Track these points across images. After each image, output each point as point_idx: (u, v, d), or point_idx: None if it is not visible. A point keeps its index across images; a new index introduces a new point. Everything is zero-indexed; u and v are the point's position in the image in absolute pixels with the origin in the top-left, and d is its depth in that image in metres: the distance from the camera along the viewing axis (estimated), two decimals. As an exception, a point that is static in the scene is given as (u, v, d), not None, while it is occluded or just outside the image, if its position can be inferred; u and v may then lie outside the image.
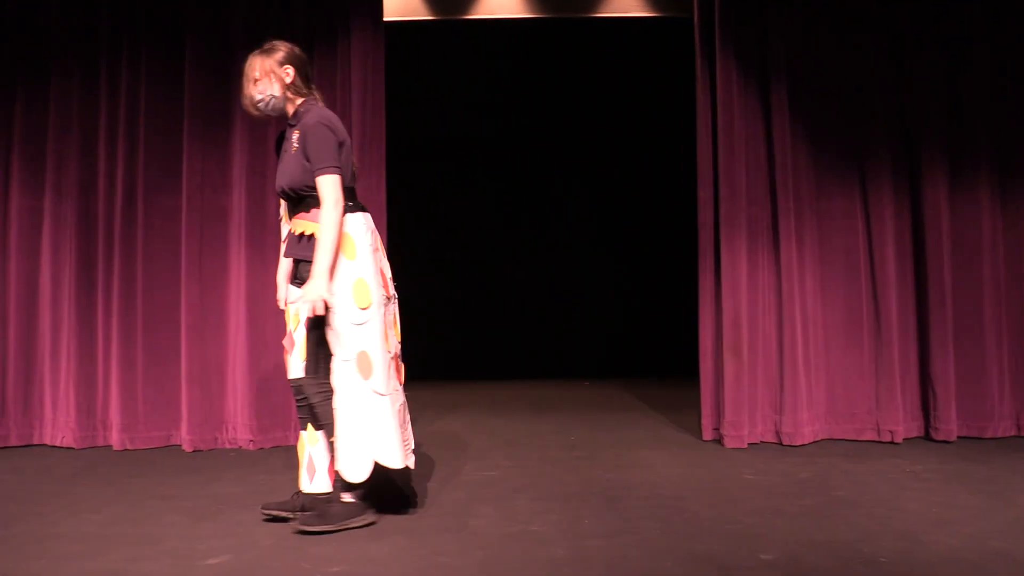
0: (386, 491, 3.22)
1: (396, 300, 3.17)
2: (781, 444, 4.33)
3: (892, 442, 4.33)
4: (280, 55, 3.01)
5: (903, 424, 4.39)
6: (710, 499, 3.28)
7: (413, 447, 3.19)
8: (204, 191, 4.51)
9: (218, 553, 2.68)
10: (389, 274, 3.13)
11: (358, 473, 2.92)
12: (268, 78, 3.00)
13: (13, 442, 4.51)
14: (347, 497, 2.97)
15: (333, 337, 2.93)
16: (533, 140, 7.98)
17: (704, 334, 4.48)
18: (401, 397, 3.11)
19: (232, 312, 4.50)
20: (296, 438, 4.44)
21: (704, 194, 4.48)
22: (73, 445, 4.45)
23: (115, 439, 4.43)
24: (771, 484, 3.51)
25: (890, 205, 4.49)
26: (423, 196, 7.68)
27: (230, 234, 4.53)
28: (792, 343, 4.37)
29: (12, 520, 3.07)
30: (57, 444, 4.51)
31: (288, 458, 4.14)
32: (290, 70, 3.01)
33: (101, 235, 4.56)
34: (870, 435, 4.40)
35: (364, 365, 2.93)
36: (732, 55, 4.42)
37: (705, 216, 4.48)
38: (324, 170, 2.88)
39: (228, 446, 4.44)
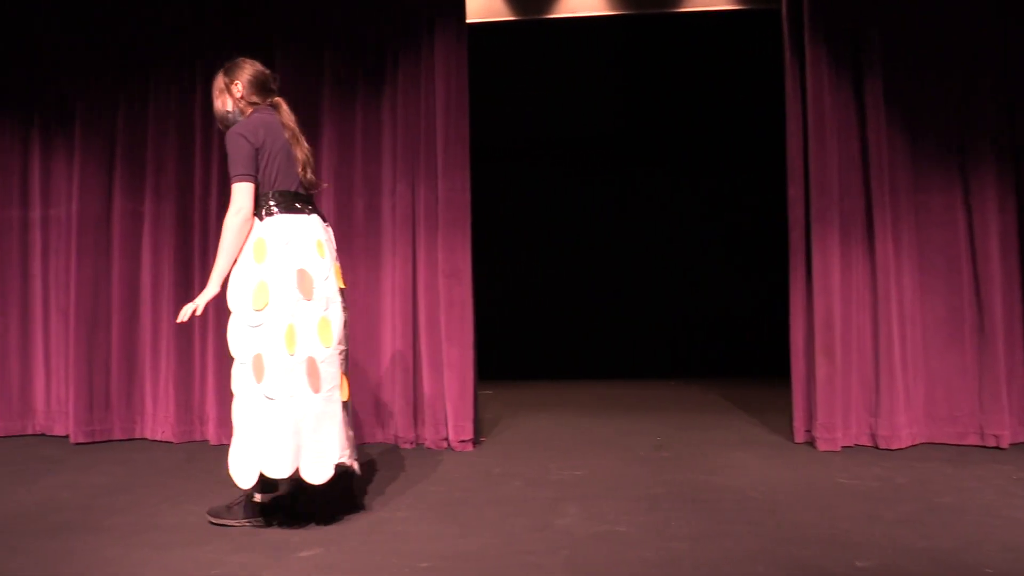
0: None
1: (335, 304, 3.04)
2: (877, 448, 4.17)
3: (997, 447, 4.12)
4: (232, 72, 3.15)
5: (1009, 428, 4.17)
6: (803, 503, 3.18)
7: (340, 459, 2.98)
8: (294, 193, 4.62)
9: (310, 546, 2.75)
10: (325, 275, 3.02)
11: (245, 479, 2.90)
12: (223, 95, 3.16)
13: (116, 436, 4.73)
14: (258, 497, 3.03)
15: (232, 339, 2.96)
16: (619, 138, 7.93)
17: (795, 334, 4.36)
18: (311, 405, 2.92)
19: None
20: (384, 434, 4.56)
21: (794, 191, 4.36)
22: (172, 439, 4.64)
23: (211, 433, 4.60)
24: (867, 489, 3.39)
25: (994, 198, 4.28)
26: (510, 196, 7.72)
27: (320, 235, 4.63)
28: (888, 343, 4.21)
29: (118, 510, 3.21)
30: (157, 438, 4.70)
31: (377, 453, 4.21)
32: (239, 85, 3.13)
33: (197, 236, 4.74)
34: (973, 439, 4.20)
35: (258, 368, 2.91)
36: (822, 44, 4.29)
37: (795, 213, 4.36)
38: (233, 178, 2.98)
39: (319, 442, 4.54)
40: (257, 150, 3.00)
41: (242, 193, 2.96)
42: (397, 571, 2.50)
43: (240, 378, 2.95)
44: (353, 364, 4.48)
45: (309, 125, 4.61)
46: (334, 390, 2.99)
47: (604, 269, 7.93)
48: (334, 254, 3.13)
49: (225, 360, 4.59)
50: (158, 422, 4.73)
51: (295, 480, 2.97)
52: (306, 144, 3.14)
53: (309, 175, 3.10)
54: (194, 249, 4.74)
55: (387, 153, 4.61)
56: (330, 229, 3.19)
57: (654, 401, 6.04)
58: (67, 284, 4.85)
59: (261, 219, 3.00)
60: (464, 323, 4.41)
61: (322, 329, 2.96)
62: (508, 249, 7.71)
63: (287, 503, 3.12)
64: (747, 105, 7.27)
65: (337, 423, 2.97)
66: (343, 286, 3.14)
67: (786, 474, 3.67)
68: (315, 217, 3.09)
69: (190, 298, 4.67)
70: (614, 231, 7.97)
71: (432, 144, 4.51)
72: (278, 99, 3.18)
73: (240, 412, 2.94)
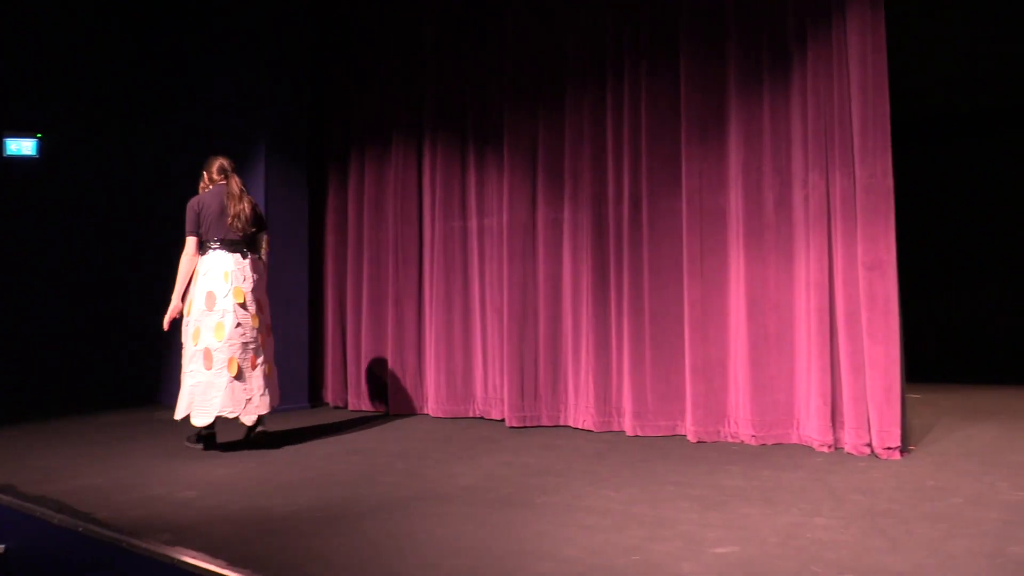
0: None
1: (229, 313, 4.38)
2: None
3: None
4: (205, 165, 4.64)
5: None
6: None
7: (221, 412, 4.35)
8: (702, 192, 4.66)
9: (726, 543, 2.72)
10: (225, 294, 4.40)
11: (176, 416, 4.45)
12: (201, 181, 4.64)
13: (544, 422, 5.18)
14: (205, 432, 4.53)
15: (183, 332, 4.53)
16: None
17: None
18: (203, 377, 4.37)
19: (732, 309, 4.57)
20: (797, 436, 4.38)
21: None
22: (592, 428, 4.94)
23: (627, 425, 4.81)
24: None
25: None
26: (934, 178, 6.97)
27: (728, 233, 4.61)
28: None
29: (549, 490, 3.50)
30: (578, 427, 5.05)
31: (793, 455, 4.06)
32: (206, 174, 4.63)
33: (611, 240, 5.00)
34: None
35: (184, 352, 4.47)
36: None
37: None
38: (185, 233, 4.51)
39: (730, 440, 4.51)
40: (198, 213, 4.48)
41: (187, 243, 4.50)
42: (820, 580, 2.38)
43: (182, 356, 4.51)
44: (776, 362, 4.41)
45: (715, 123, 4.64)
46: (222, 369, 4.38)
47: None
48: (239, 279, 4.46)
49: (639, 359, 4.79)
50: (579, 412, 5.08)
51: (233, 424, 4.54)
52: (243, 202, 4.51)
53: (236, 225, 4.49)
54: (609, 252, 5.00)
55: (797, 142, 4.42)
56: (246, 261, 4.50)
57: None
58: (500, 285, 5.43)
59: (201, 256, 4.49)
60: (888, 319, 4.05)
61: (217, 330, 4.40)
62: (934, 237, 6.95)
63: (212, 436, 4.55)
64: None
65: (221, 390, 4.37)
66: (240, 301, 4.43)
67: None
68: (231, 255, 4.48)
69: (607, 298, 4.99)
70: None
71: (847, 128, 4.22)
72: (231, 175, 4.59)
73: (182, 376, 4.47)
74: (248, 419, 4.46)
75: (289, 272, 6.13)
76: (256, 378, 4.47)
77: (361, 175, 6.23)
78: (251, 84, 6.20)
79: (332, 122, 6.45)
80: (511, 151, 5.36)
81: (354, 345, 6.20)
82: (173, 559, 2.52)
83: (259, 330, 4.51)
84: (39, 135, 6.68)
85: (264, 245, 4.66)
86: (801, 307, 4.38)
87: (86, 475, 3.86)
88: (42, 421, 5.61)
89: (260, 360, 4.50)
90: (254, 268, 4.54)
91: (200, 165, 4.69)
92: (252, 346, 4.46)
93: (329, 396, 6.35)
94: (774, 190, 4.48)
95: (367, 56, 6.23)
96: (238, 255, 4.49)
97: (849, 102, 4.21)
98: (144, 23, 6.99)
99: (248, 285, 4.48)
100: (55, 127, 6.79)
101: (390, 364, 5.89)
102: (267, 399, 4.51)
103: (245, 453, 4.43)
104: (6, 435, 5.06)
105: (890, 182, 4.09)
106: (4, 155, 6.61)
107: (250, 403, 4.44)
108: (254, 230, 4.58)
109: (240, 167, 6.10)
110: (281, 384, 5.93)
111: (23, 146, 6.65)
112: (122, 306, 6.83)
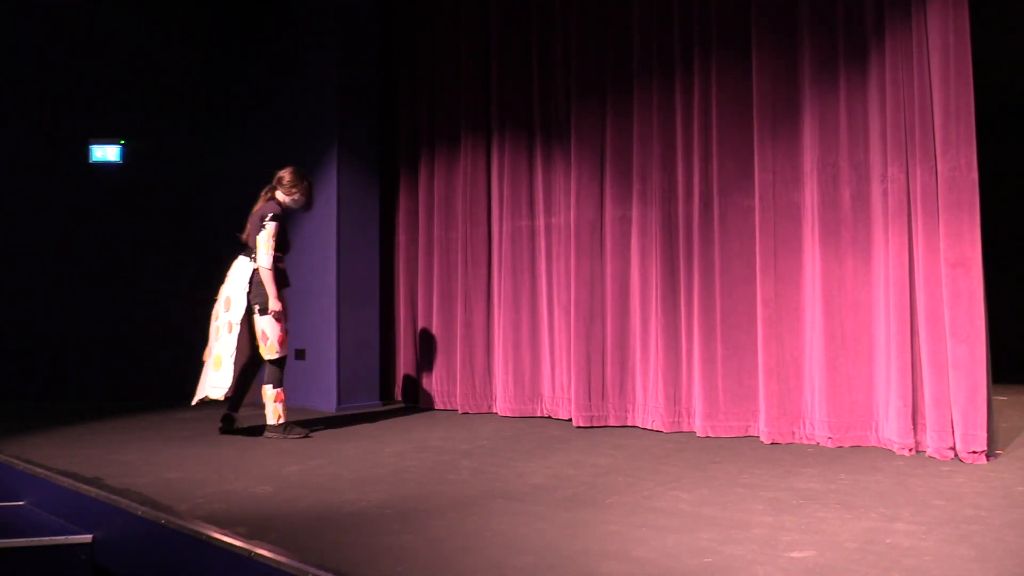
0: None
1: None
2: None
3: None
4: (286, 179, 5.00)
5: None
6: None
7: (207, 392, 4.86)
8: (776, 188, 4.56)
9: (802, 547, 2.66)
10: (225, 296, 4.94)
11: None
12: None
13: (611, 422, 5.14)
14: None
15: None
16: None
17: None
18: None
19: (807, 308, 4.46)
20: (876, 438, 4.26)
21: None
22: (662, 428, 4.89)
23: (698, 426, 4.73)
24: None
25: None
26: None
27: (803, 229, 4.50)
28: None
29: (619, 489, 3.47)
30: (647, 427, 4.99)
31: (871, 458, 3.95)
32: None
33: (681, 238, 4.93)
34: None
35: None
36: None
37: None
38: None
39: (805, 441, 4.40)
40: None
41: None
42: (901, 587, 2.30)
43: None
44: (853, 362, 4.29)
45: (789, 117, 4.54)
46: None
47: None
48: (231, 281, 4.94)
49: (710, 358, 4.71)
50: (648, 412, 5.02)
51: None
52: (254, 219, 4.87)
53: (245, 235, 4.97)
54: (679, 250, 4.94)
55: (875, 135, 4.29)
56: (236, 262, 4.92)
57: None
58: (567, 283, 5.41)
59: None
60: (973, 318, 3.89)
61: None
62: (1021, 232, 6.66)
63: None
64: None
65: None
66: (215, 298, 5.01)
67: None
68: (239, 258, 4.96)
69: (676, 296, 4.92)
70: None
71: (928, 120, 4.07)
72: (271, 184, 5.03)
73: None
74: (194, 400, 5.00)
75: (361, 272, 6.23)
76: (207, 367, 4.96)
77: (431, 175, 6.29)
78: (322, 88, 6.32)
79: (402, 124, 6.54)
80: (578, 149, 5.34)
81: (425, 344, 6.27)
82: (250, 552, 2.57)
83: (218, 324, 4.91)
84: (123, 141, 6.91)
85: (256, 246, 4.83)
86: (880, 306, 4.25)
87: (166, 469, 3.98)
88: (122, 416, 5.82)
89: (214, 351, 4.91)
90: (237, 269, 4.91)
91: (278, 167, 4.92)
92: (212, 338, 4.97)
93: (399, 394, 6.43)
94: (851, 185, 4.35)
95: (434, 57, 6.29)
96: (241, 257, 4.94)
97: (930, 92, 4.07)
98: (216, 29, 7.19)
99: (226, 286, 4.94)
100: (136, 133, 7.02)
101: (459, 363, 5.93)
102: (204, 385, 4.89)
103: (316, 450, 4.51)
104: (91, 430, 5.26)
105: (974, 175, 3.93)
106: (89, 161, 6.87)
107: (199, 387, 4.95)
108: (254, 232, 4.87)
109: (312, 170, 6.27)
110: (353, 382, 6.07)
111: (107, 152, 6.90)
112: (202, 306, 7.02)
